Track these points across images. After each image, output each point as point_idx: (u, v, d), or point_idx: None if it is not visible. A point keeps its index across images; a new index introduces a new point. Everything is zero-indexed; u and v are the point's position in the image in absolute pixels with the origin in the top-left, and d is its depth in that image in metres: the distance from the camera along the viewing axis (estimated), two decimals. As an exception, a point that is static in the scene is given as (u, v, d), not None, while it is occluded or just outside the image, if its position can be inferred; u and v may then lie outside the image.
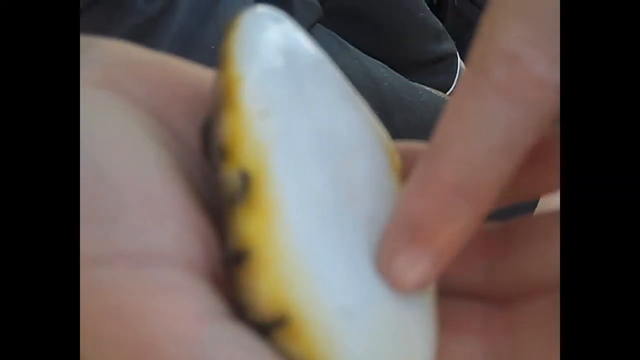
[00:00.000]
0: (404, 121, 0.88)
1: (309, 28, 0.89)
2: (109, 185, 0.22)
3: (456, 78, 1.05)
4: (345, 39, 0.93)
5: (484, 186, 0.21)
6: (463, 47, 1.08)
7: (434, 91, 0.98)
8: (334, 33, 0.93)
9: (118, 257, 0.21)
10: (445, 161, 0.22)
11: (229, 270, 0.22)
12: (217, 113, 0.23)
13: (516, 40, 0.20)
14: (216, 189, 0.23)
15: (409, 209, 0.22)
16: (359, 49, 0.93)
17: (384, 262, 0.22)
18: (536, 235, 0.24)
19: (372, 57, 0.93)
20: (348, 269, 0.22)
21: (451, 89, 1.03)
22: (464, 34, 1.15)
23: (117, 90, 0.24)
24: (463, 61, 1.07)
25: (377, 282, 0.23)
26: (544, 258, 0.24)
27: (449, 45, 1.07)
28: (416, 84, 0.95)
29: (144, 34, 0.78)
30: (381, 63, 0.93)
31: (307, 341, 0.21)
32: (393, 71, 0.93)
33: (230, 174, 0.22)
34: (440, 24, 1.05)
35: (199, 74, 0.26)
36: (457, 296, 0.25)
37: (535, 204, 0.84)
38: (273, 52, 0.24)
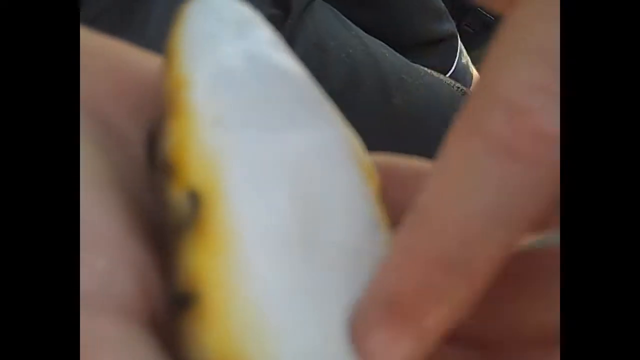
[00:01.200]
0: (404, 102, 0.88)
1: (309, 2, 0.88)
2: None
3: (455, 61, 1.05)
4: (346, 17, 0.92)
5: (478, 260, 0.18)
6: (459, 33, 1.08)
7: (434, 73, 0.98)
8: (335, 10, 0.92)
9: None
10: (428, 231, 0.18)
11: (172, 314, 0.18)
12: (163, 120, 0.19)
13: (517, 88, 0.18)
14: (162, 211, 0.19)
15: (385, 285, 0.18)
16: (360, 27, 0.92)
17: (358, 336, 0.19)
18: (535, 275, 0.21)
19: (373, 36, 0.93)
20: (314, 324, 0.18)
21: (450, 71, 1.03)
22: (460, 20, 1.15)
23: None
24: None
25: (346, 349, 0.18)
26: (543, 302, 0.21)
27: (450, 25, 1.06)
28: (417, 65, 0.95)
29: (128, 9, 0.76)
30: (382, 43, 0.93)
31: None
32: (394, 51, 0.93)
33: (176, 194, 0.18)
34: (442, 4, 1.05)
35: (152, 66, 0.22)
36: (450, 342, 0.20)
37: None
38: (228, 48, 0.20)
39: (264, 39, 0.21)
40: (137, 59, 0.22)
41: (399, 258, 0.18)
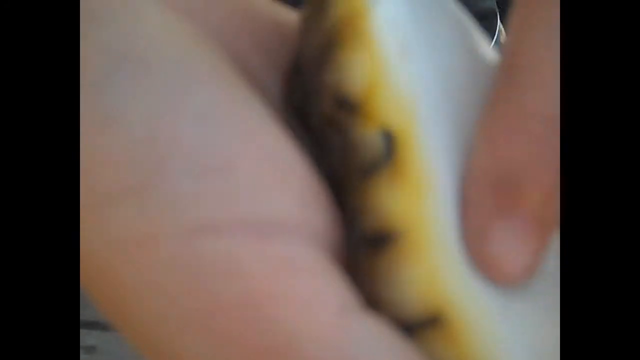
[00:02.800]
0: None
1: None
2: (212, 130, 0.17)
3: (494, 40, 1.04)
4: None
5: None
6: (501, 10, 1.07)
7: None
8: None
9: (238, 225, 0.17)
10: (532, 87, 0.17)
11: (359, 255, 0.18)
12: (329, 53, 0.18)
13: None
14: (325, 152, 0.19)
15: (493, 156, 0.17)
16: None
17: (473, 245, 0.17)
18: None
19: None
20: None
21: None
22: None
23: (193, 17, 0.19)
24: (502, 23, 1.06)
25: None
26: None
27: (491, 3, 1.06)
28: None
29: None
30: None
31: (463, 345, 0.17)
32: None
33: (367, 134, 0.18)
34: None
35: (277, 9, 0.21)
36: None
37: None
38: None
39: None
40: (265, 3, 0.21)
41: (502, 122, 0.17)
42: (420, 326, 0.17)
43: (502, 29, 1.05)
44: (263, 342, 0.16)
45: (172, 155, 0.17)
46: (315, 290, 0.17)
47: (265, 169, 0.17)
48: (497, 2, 1.07)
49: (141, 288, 0.17)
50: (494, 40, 1.03)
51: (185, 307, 0.17)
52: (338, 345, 0.16)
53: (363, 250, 0.18)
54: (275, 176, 0.17)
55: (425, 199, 0.17)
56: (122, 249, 0.17)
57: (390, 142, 0.18)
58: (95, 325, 1.41)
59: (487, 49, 0.20)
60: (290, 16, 0.21)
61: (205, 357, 0.17)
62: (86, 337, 1.44)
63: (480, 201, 0.17)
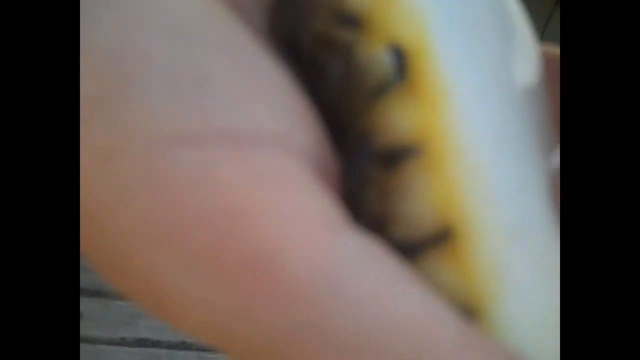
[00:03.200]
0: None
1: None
2: (185, 44, 0.16)
3: None
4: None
5: None
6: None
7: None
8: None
9: (216, 135, 0.16)
10: None
11: (369, 175, 0.17)
12: None
13: None
14: (321, 79, 0.18)
15: None
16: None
17: None
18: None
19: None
20: (519, 179, 0.18)
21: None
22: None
23: None
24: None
25: (540, 202, 0.18)
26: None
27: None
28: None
29: None
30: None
31: (468, 263, 0.17)
32: None
33: (372, 53, 0.17)
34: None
35: None
36: None
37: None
38: None
39: None
40: None
41: None
42: (429, 242, 0.17)
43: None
44: (242, 257, 0.15)
45: (142, 68, 0.16)
46: (299, 203, 0.16)
47: (243, 82, 0.16)
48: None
49: (112, 202, 0.16)
50: None
51: (159, 220, 0.15)
52: (323, 259, 0.15)
53: (375, 169, 0.17)
54: (255, 89, 0.16)
55: (442, 113, 0.17)
56: (92, 162, 0.16)
57: (400, 59, 0.17)
58: (83, 292, 1.41)
59: None
60: None
61: (180, 275, 0.15)
62: (73, 304, 1.43)
63: None
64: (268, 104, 0.16)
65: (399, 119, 0.17)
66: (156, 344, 1.45)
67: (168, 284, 0.16)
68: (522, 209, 0.17)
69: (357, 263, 0.16)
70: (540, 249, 0.18)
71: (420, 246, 0.17)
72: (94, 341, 1.40)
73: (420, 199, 0.17)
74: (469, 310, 0.17)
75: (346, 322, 0.15)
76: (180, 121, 0.16)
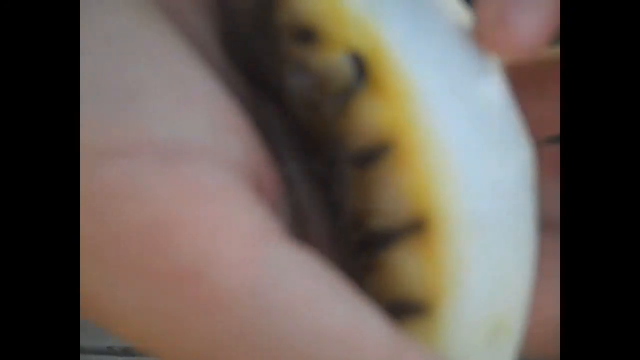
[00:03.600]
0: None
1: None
2: (118, 55, 0.16)
3: None
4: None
5: None
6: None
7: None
8: None
9: (144, 148, 0.16)
10: None
11: (345, 178, 0.18)
12: None
13: None
14: (285, 97, 0.18)
15: None
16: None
17: (490, 28, 0.18)
18: (543, 79, 0.22)
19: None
20: (492, 172, 0.18)
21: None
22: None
23: None
24: None
25: (516, 196, 0.18)
26: (546, 101, 0.22)
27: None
28: None
29: None
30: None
31: (436, 253, 0.18)
32: None
33: (332, 59, 0.18)
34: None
35: None
36: None
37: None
38: None
39: None
40: None
41: None
42: (402, 232, 0.18)
43: None
44: (169, 269, 0.15)
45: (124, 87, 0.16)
46: (226, 216, 0.16)
47: (174, 94, 0.16)
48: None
49: None
50: None
51: (85, 232, 0.16)
52: (249, 269, 0.16)
53: (353, 170, 0.18)
54: (185, 102, 0.17)
55: (407, 110, 0.18)
56: None
57: (360, 65, 0.18)
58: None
59: None
60: None
61: (109, 286, 0.16)
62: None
63: None
64: (198, 116, 0.16)
65: (368, 121, 0.18)
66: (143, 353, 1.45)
67: (100, 293, 0.16)
68: (494, 201, 0.18)
69: (285, 274, 0.16)
70: (513, 242, 0.18)
71: (394, 236, 0.18)
72: (81, 351, 1.39)
73: (395, 192, 0.18)
74: (423, 306, 0.18)
75: (273, 332, 0.16)
76: (109, 134, 0.16)
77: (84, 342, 1.46)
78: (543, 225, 0.20)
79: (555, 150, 0.22)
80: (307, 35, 0.18)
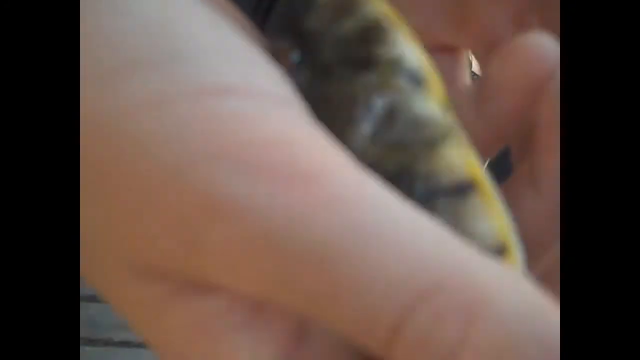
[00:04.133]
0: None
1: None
2: (223, 35, 0.19)
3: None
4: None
5: None
6: None
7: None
8: None
9: (228, 89, 0.18)
10: None
11: (438, 204, 0.20)
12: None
13: None
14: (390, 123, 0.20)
15: None
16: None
17: None
18: None
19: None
20: None
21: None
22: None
23: None
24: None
25: None
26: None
27: None
28: None
29: None
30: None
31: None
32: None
33: (431, 107, 0.20)
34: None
35: None
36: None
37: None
38: None
39: None
40: None
41: None
42: (495, 252, 0.20)
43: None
44: (289, 171, 0.18)
45: (187, 39, 0.19)
46: (320, 138, 0.18)
47: (229, 54, 0.19)
48: None
49: (146, 144, 0.18)
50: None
51: (226, 143, 0.18)
52: (355, 176, 0.18)
53: (444, 199, 0.20)
54: (243, 58, 0.19)
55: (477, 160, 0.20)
56: (136, 111, 0.18)
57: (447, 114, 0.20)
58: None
59: None
60: None
61: (242, 186, 0.18)
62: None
63: None
64: (252, 67, 0.19)
65: (457, 161, 0.20)
66: (141, 344, 1.45)
67: (237, 193, 0.18)
68: None
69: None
70: None
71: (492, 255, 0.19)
72: (81, 342, 1.39)
73: (485, 224, 0.20)
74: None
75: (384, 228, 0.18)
76: (219, 76, 0.18)
77: (84, 333, 1.46)
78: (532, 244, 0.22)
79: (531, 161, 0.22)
80: (413, 77, 0.20)
